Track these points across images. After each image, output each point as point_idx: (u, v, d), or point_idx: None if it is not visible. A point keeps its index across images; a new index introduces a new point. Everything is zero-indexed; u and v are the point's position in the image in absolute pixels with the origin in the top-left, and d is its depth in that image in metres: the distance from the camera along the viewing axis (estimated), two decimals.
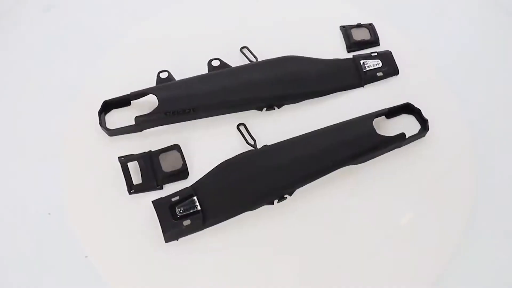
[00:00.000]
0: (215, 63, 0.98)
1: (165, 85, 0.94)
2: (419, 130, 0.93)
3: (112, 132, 0.92)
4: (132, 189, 0.86)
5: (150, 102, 0.94)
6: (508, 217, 0.88)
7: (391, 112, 0.95)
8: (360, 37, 1.06)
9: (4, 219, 0.87)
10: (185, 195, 0.83)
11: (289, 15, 1.12)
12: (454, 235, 0.85)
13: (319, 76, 0.99)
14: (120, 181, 0.88)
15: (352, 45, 1.05)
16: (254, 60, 1.01)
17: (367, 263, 0.83)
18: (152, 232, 0.83)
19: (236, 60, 1.01)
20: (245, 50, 1.03)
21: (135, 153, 0.89)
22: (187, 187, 0.84)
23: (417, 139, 0.93)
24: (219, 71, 0.97)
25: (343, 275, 0.81)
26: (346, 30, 1.08)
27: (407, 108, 0.95)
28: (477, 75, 1.03)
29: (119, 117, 0.95)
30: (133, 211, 0.86)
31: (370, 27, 1.08)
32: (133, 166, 0.88)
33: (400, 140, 0.90)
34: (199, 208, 0.82)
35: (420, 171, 0.91)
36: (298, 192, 0.87)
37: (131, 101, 0.96)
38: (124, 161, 0.87)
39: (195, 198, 0.82)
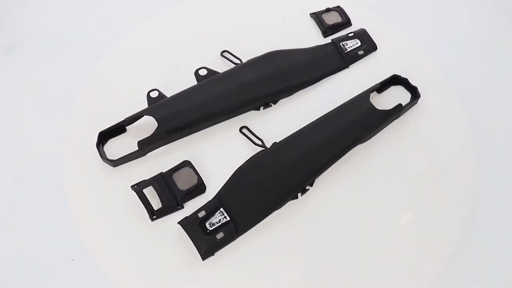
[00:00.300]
0: (203, 72, 0.97)
1: (159, 104, 0.92)
2: (411, 98, 0.97)
3: (116, 163, 0.88)
4: (154, 215, 0.83)
5: (146, 124, 0.92)
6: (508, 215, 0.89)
7: (382, 86, 0.98)
8: (332, 21, 1.09)
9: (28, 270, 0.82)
10: (211, 208, 0.82)
11: (259, 13, 1.13)
12: (454, 234, 0.86)
13: (306, 65, 1.00)
14: (137, 210, 0.85)
15: (326, 29, 1.08)
16: (238, 61, 1.01)
17: (368, 262, 0.83)
18: (185, 254, 0.81)
19: (219, 64, 1.01)
20: (226, 54, 1.03)
21: (145, 178, 0.86)
22: (211, 200, 0.83)
23: (411, 106, 0.97)
24: (209, 80, 0.95)
25: (345, 274, 0.82)
26: (317, 17, 1.10)
27: (395, 80, 0.99)
28: (475, 70, 1.05)
29: (118, 145, 0.92)
30: (159, 237, 0.84)
31: (339, 9, 1.11)
32: (148, 192, 0.86)
33: (398, 110, 0.94)
34: (228, 218, 0.81)
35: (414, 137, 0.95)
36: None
37: (126, 127, 0.93)
38: (138, 189, 0.84)
39: (222, 209, 0.81)
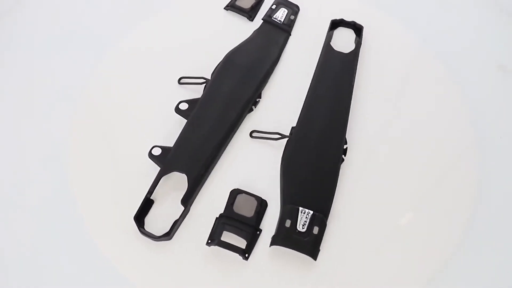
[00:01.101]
0: (183, 107, 0.92)
1: (170, 158, 0.85)
2: (355, 38, 1.06)
3: (170, 234, 0.80)
4: (246, 253, 0.79)
5: (170, 184, 0.86)
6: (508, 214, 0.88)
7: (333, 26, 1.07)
8: (249, 3, 1.11)
9: None
10: (292, 213, 0.81)
11: (185, 29, 1.10)
12: (453, 236, 0.84)
13: (262, 51, 1.02)
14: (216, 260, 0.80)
15: (250, 13, 1.10)
16: (200, 80, 0.97)
17: (367, 261, 0.82)
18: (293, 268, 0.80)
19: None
20: (184, 80, 0.98)
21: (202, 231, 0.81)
22: (287, 207, 0.82)
23: (360, 43, 1.05)
24: (196, 113, 0.91)
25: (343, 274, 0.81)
26: (232, 7, 1.10)
27: (338, 24, 1.08)
28: (474, 70, 1.05)
29: (154, 218, 0.83)
30: (262, 266, 0.80)
31: None
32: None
33: (356, 49, 1.03)
34: (311, 211, 0.81)
35: None
36: None
37: (151, 198, 0.84)
38: (216, 242, 0.79)
39: (299, 208, 0.81)
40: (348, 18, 1.08)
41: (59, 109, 0.96)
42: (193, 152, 0.86)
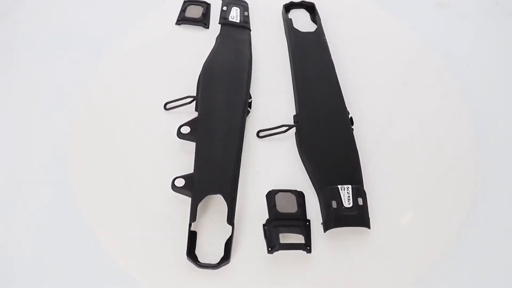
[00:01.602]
0: (185, 130, 0.89)
1: (197, 185, 0.82)
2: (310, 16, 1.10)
3: (226, 258, 0.78)
4: (308, 246, 0.79)
5: (209, 206, 0.83)
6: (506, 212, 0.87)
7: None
8: (198, 13, 1.09)
9: None
10: (335, 193, 0.82)
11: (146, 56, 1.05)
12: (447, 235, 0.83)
13: (234, 54, 1.01)
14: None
15: (204, 21, 1.09)
16: (187, 99, 0.94)
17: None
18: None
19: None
20: (169, 104, 0.95)
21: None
22: (326, 189, 0.83)
23: (319, 18, 1.09)
24: (203, 132, 0.88)
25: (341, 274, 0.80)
26: (183, 20, 1.08)
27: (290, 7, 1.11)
28: (475, 70, 1.05)
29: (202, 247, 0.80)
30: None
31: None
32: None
33: (318, 25, 1.07)
34: (349, 185, 0.83)
35: None
36: None
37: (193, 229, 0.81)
38: (277, 248, 0.77)
39: (337, 186, 0.83)
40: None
41: (59, 109, 0.95)
42: (218, 171, 0.84)
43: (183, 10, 1.09)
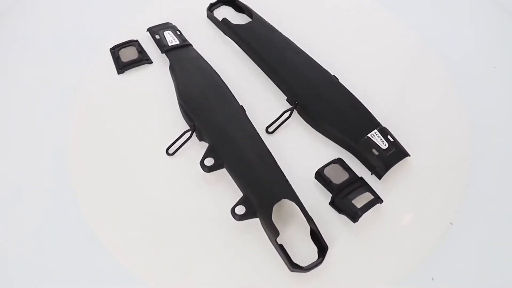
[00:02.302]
0: (209, 162, 0.84)
1: (263, 203, 0.80)
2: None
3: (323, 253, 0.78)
4: (378, 197, 0.84)
5: None
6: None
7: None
8: (133, 54, 1.03)
9: None
10: (369, 142, 0.87)
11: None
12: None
13: (203, 73, 0.99)
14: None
15: (143, 58, 1.03)
16: (185, 136, 0.90)
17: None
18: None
19: None
20: (171, 149, 0.90)
21: None
22: (361, 142, 0.87)
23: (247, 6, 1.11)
24: (229, 157, 0.86)
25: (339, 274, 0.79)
26: (124, 67, 1.01)
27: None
28: (474, 71, 1.04)
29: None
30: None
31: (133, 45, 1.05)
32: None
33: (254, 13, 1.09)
34: (375, 130, 0.88)
35: None
36: None
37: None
38: (360, 213, 0.80)
39: (367, 135, 0.88)
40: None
41: (59, 109, 0.95)
42: (268, 179, 0.83)
43: (116, 58, 1.02)
